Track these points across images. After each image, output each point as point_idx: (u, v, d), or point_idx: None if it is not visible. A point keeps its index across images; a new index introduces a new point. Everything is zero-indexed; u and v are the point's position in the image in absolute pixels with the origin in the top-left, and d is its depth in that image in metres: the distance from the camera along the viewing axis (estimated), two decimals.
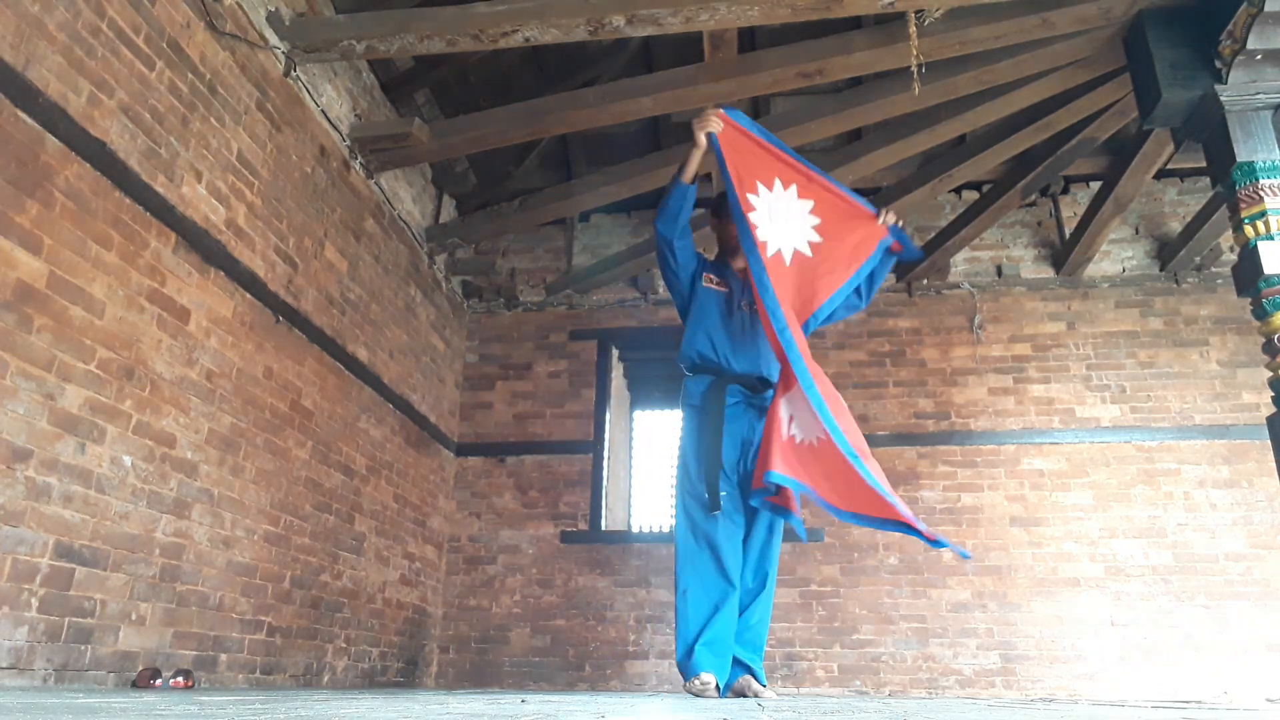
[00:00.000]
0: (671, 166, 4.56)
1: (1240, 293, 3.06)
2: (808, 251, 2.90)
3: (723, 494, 2.74)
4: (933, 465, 5.02)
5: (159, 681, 2.58)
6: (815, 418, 2.47)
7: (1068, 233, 5.30)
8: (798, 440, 2.62)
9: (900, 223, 3.04)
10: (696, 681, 2.54)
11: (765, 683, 2.76)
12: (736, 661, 2.73)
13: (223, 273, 3.15)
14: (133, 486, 2.65)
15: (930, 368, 5.24)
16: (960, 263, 5.44)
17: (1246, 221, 2.98)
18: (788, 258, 2.85)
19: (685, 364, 3.00)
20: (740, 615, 2.77)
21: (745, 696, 2.66)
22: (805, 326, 2.80)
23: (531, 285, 5.76)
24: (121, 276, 2.64)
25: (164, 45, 2.85)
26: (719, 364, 2.91)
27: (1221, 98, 3.10)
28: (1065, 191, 5.48)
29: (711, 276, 3.04)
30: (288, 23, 3.53)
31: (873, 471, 2.41)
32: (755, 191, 2.83)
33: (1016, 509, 4.87)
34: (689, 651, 2.63)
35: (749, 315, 2.96)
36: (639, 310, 5.59)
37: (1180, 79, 3.21)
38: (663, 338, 5.51)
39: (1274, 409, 2.96)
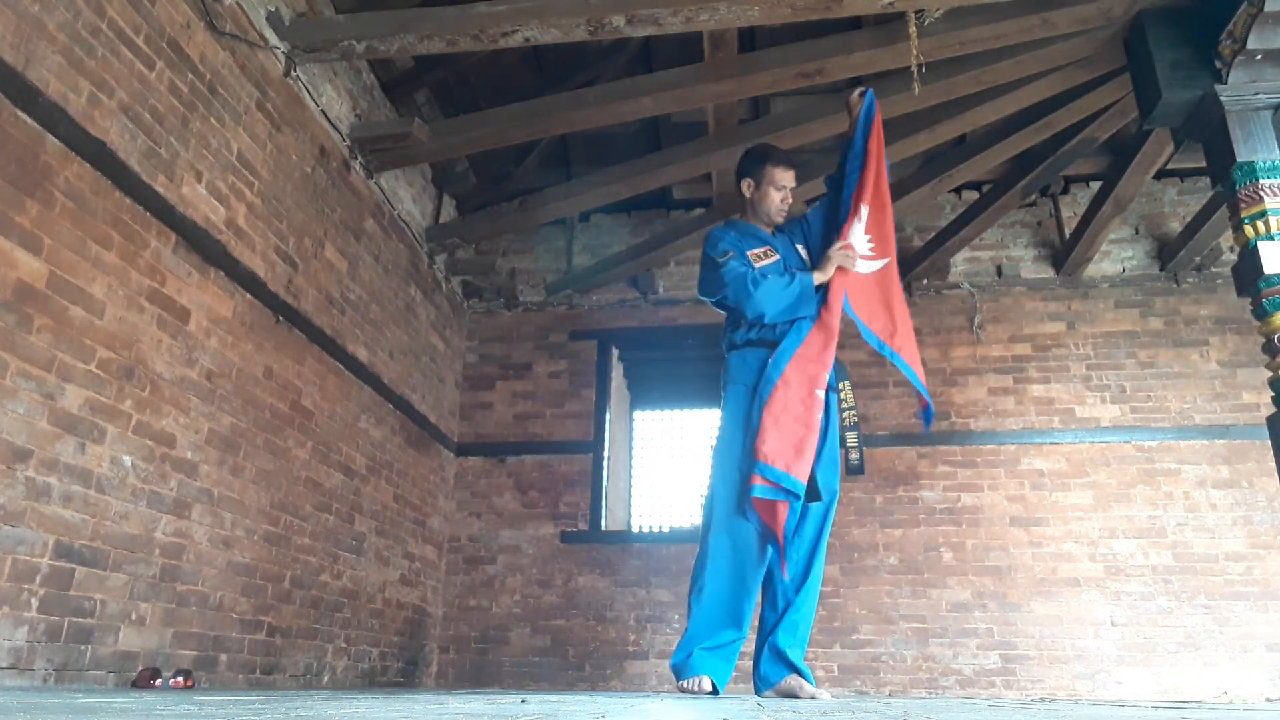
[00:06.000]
0: (671, 166, 4.57)
1: (1240, 293, 3.06)
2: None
3: None
4: (933, 465, 5.02)
5: (159, 681, 2.58)
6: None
7: (1068, 233, 5.30)
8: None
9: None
10: (692, 682, 2.45)
11: (813, 681, 2.58)
12: (782, 658, 2.58)
13: (223, 273, 3.15)
14: (133, 486, 2.65)
15: (930, 368, 5.23)
16: (960, 263, 5.44)
17: (1246, 221, 2.98)
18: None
19: (740, 340, 2.79)
20: (789, 608, 2.62)
21: (796, 698, 2.48)
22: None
23: (531, 285, 5.76)
24: (121, 276, 2.64)
25: (164, 45, 2.85)
26: (777, 339, 2.68)
27: (1221, 98, 3.10)
28: (1065, 191, 5.48)
29: (758, 252, 2.80)
30: (288, 23, 3.53)
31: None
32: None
33: (1016, 509, 4.87)
34: (689, 653, 2.53)
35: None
36: (639, 310, 5.59)
37: (1180, 79, 3.21)
38: (663, 338, 5.51)
39: (1274, 409, 2.97)
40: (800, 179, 4.75)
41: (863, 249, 2.80)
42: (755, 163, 2.89)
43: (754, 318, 2.68)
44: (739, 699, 2.53)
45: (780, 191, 2.85)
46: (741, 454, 2.61)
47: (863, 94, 2.91)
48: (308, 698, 2.00)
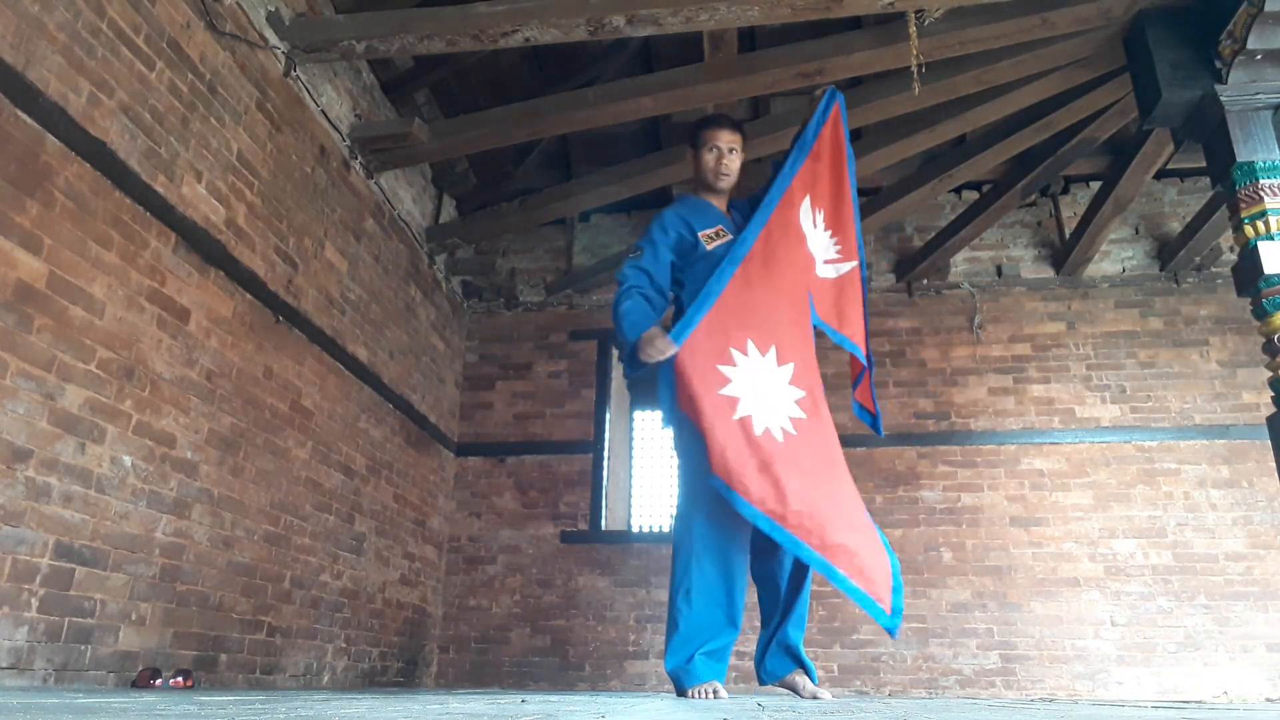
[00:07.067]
0: (671, 166, 4.57)
1: (1240, 293, 3.06)
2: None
3: None
4: (933, 465, 5.02)
5: (159, 681, 2.58)
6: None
7: (1068, 233, 5.30)
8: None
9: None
10: (705, 688, 2.39)
11: (816, 677, 2.55)
12: (790, 653, 2.54)
13: (223, 273, 3.15)
14: (133, 486, 2.65)
15: (930, 368, 5.24)
16: (960, 263, 5.44)
17: (1246, 221, 2.98)
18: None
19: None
20: (796, 600, 2.58)
21: (798, 694, 2.47)
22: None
23: (531, 285, 5.76)
24: (121, 276, 2.64)
25: (164, 45, 2.85)
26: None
27: (1221, 98, 3.11)
28: (1065, 191, 5.48)
29: (710, 233, 2.64)
30: (288, 23, 3.53)
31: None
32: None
33: (1016, 509, 4.87)
34: (689, 659, 2.45)
35: None
36: None
37: (1180, 79, 3.21)
38: None
39: (1274, 409, 2.97)
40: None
41: (829, 252, 2.75)
42: (691, 130, 2.81)
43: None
44: (738, 699, 2.53)
45: (712, 152, 2.70)
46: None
47: (824, 90, 2.85)
48: (308, 698, 2.00)
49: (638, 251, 2.65)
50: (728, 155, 2.71)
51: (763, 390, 2.44)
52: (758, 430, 2.37)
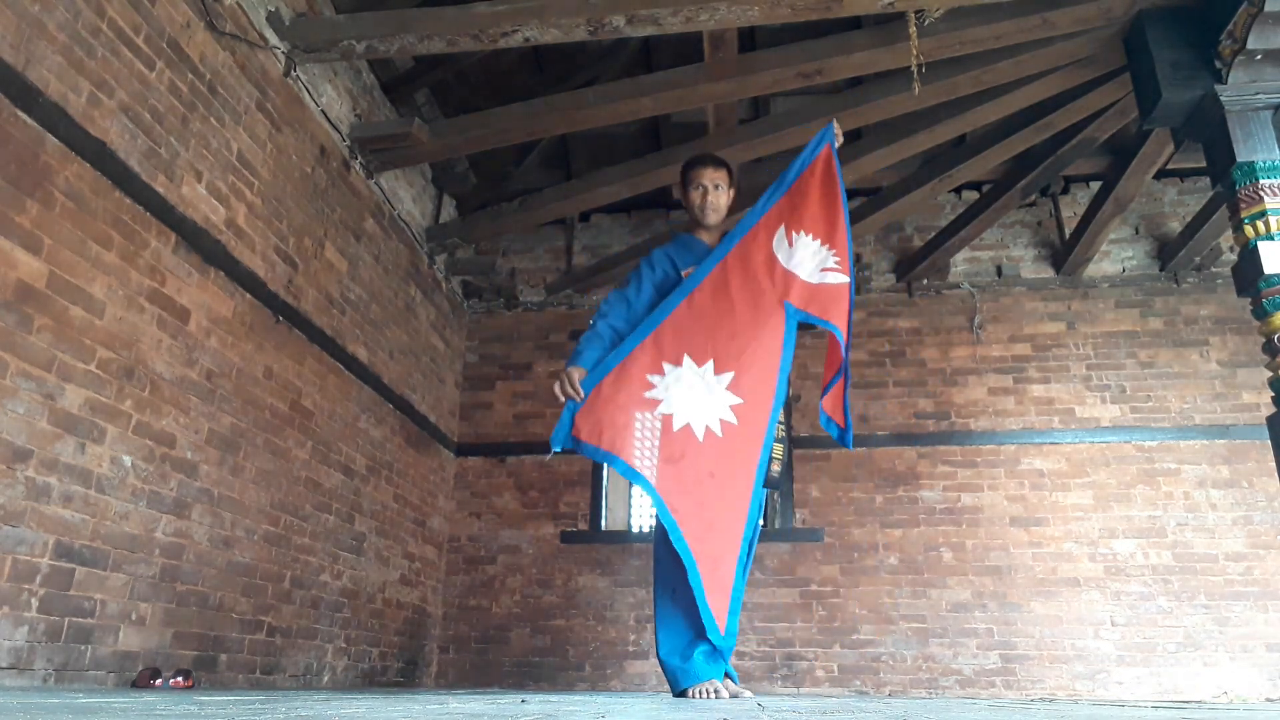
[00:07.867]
0: (671, 166, 4.57)
1: (1240, 293, 3.06)
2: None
3: None
4: (933, 465, 5.02)
5: (159, 681, 2.58)
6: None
7: (1068, 233, 5.30)
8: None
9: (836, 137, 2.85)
10: (706, 687, 2.41)
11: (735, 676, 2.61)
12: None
13: (223, 273, 3.15)
14: (133, 486, 2.65)
15: (930, 368, 5.24)
16: (960, 263, 5.44)
17: (1246, 221, 2.98)
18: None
19: None
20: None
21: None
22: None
23: (531, 285, 5.76)
24: (121, 276, 2.64)
25: (164, 45, 2.85)
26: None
27: (1221, 98, 3.11)
28: (1065, 191, 5.49)
29: (692, 270, 2.75)
30: (288, 23, 3.53)
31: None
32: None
33: (1016, 509, 4.87)
34: (686, 656, 2.49)
35: None
36: None
37: (1180, 79, 3.21)
38: None
39: (1274, 409, 2.97)
40: None
41: (827, 262, 2.71)
42: (681, 170, 2.88)
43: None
44: (739, 700, 2.52)
45: (697, 190, 2.78)
46: None
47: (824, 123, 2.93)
48: (308, 698, 2.00)
49: (625, 283, 2.80)
50: (713, 192, 2.79)
51: (690, 393, 2.53)
52: (676, 425, 2.48)
